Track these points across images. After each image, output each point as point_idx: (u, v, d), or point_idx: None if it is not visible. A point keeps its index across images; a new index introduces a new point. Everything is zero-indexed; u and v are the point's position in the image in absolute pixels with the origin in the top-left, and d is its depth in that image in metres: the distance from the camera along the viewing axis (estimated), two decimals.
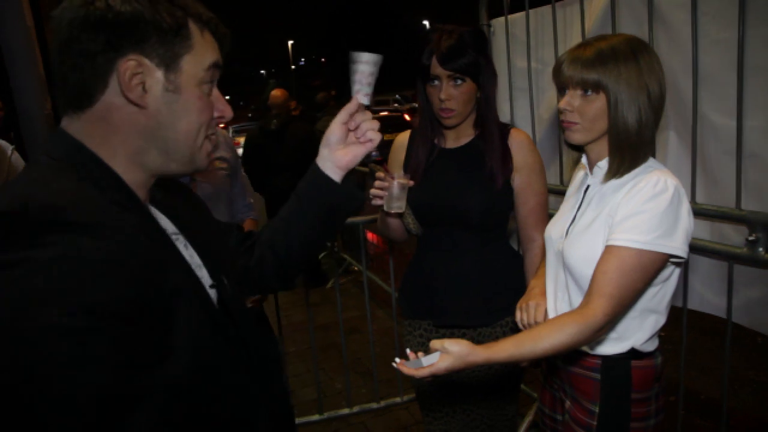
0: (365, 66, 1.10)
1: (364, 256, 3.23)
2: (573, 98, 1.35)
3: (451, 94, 1.70)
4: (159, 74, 0.85)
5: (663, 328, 1.40)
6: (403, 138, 1.95)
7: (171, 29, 0.84)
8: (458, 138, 1.83)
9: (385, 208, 1.67)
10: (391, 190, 1.64)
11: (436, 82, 1.71)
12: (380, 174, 1.66)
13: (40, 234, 0.69)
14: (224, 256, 1.12)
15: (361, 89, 1.11)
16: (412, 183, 1.67)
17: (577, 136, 1.39)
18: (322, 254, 6.00)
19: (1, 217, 0.71)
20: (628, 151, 1.33)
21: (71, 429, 0.66)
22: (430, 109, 1.79)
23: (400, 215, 1.78)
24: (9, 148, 2.64)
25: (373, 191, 1.67)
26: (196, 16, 0.88)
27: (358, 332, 4.23)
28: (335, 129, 1.12)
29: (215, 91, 0.94)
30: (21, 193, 0.75)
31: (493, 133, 1.77)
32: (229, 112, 0.96)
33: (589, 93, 1.33)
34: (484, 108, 1.77)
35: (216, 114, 0.94)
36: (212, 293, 0.97)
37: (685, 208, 1.29)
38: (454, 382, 1.85)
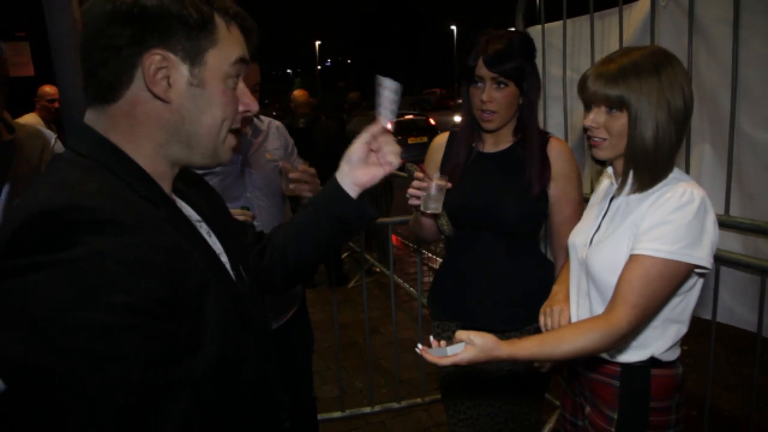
0: (388, 92, 1.13)
1: (391, 257, 3.25)
2: (598, 115, 1.35)
3: (493, 96, 1.71)
4: (184, 69, 0.85)
5: (684, 341, 1.40)
6: (441, 139, 1.96)
7: (197, 24, 0.84)
8: (497, 143, 1.84)
9: (422, 208, 1.69)
10: (429, 191, 1.66)
11: (480, 84, 1.73)
12: (419, 174, 1.67)
13: (73, 234, 0.70)
14: (241, 250, 1.14)
15: (384, 113, 1.13)
16: (450, 185, 1.69)
17: (603, 153, 1.39)
18: (345, 254, 6.04)
19: (35, 219, 0.71)
20: (645, 168, 1.32)
21: (106, 423, 0.68)
22: (472, 110, 1.80)
23: (435, 216, 1.79)
24: (52, 137, 2.72)
25: (411, 191, 1.69)
26: (222, 10, 0.88)
27: (378, 332, 4.25)
28: (358, 148, 1.13)
29: (241, 85, 0.94)
30: (52, 194, 0.75)
31: (533, 140, 1.77)
32: (254, 106, 0.96)
33: (614, 111, 1.32)
34: (526, 114, 1.78)
35: (241, 108, 0.94)
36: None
37: (711, 219, 1.29)
38: (481, 383, 1.87)
